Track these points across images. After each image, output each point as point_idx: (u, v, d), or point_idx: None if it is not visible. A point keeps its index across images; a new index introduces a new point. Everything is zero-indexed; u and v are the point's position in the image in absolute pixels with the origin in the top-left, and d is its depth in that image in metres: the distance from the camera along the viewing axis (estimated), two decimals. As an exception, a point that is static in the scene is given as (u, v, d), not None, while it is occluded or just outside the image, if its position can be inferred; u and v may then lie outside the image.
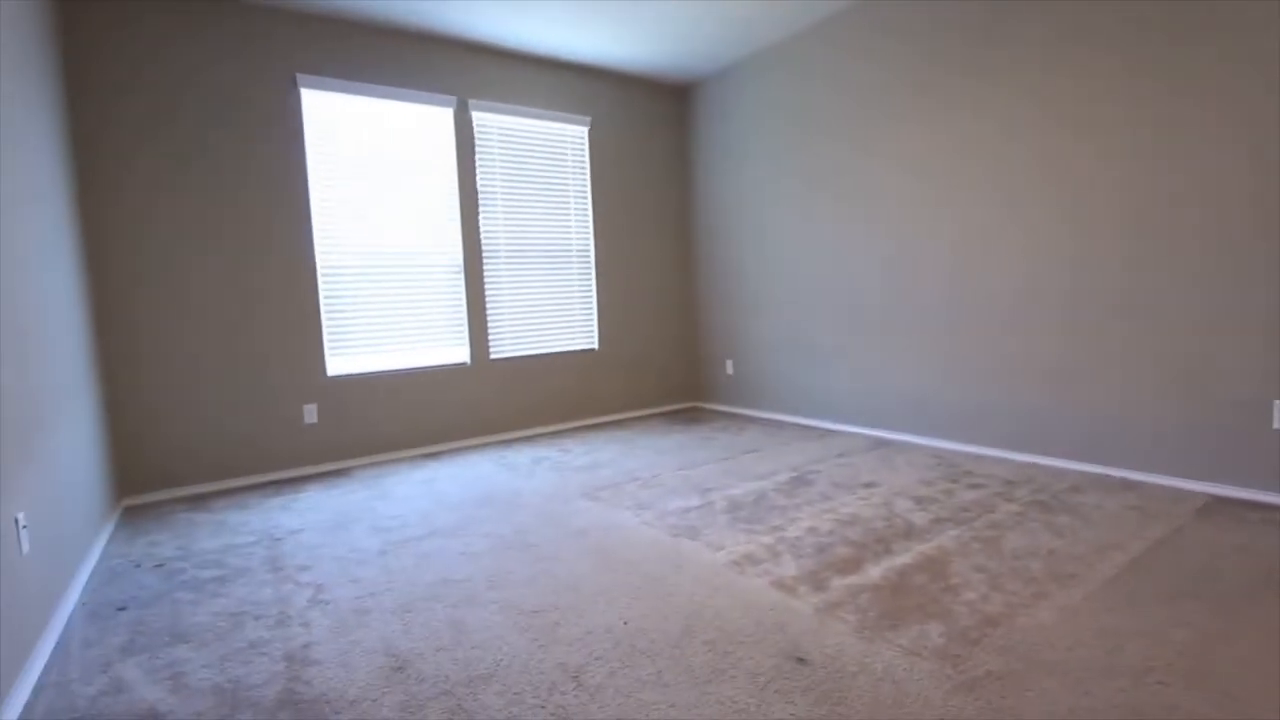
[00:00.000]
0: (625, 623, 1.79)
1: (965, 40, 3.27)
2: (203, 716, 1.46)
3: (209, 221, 3.31)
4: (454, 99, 3.99)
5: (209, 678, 1.62)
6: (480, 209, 4.17)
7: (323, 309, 3.66)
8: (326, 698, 1.51)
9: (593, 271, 4.73)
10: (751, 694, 1.45)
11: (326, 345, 3.68)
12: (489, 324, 4.26)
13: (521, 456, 3.81)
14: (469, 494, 3.10)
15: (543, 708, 1.43)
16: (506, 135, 4.26)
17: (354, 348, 3.78)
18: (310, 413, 3.63)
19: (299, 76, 3.49)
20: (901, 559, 2.13)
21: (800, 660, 1.57)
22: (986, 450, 3.39)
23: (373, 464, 3.79)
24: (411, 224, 3.93)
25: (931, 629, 1.69)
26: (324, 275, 3.66)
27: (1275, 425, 2.48)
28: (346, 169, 3.69)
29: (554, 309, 4.57)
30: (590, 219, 4.69)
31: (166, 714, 1.48)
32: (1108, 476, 2.91)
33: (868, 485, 2.94)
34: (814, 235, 4.17)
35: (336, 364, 3.73)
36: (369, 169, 3.76)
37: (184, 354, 3.27)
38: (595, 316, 4.76)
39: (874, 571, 2.04)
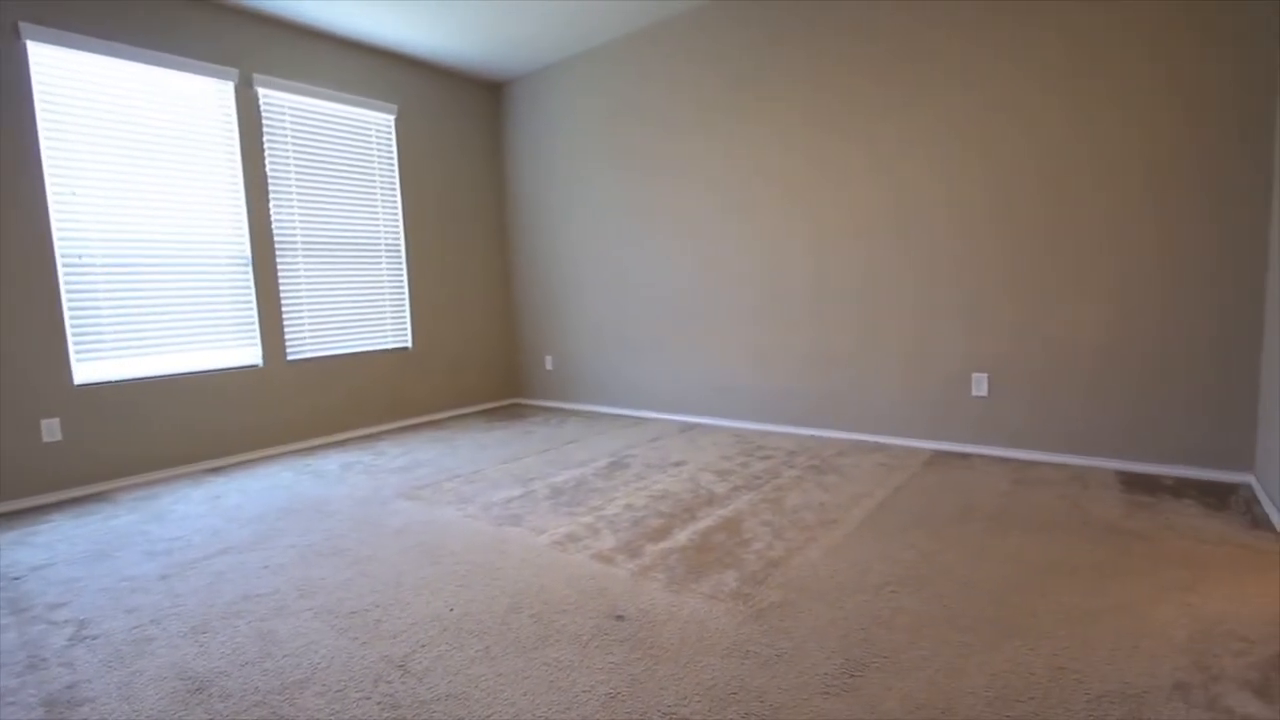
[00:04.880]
0: (451, 609, 1.82)
1: (754, 64, 3.73)
2: (-71, 784, 1.22)
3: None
4: (235, 71, 3.59)
5: (-68, 742, 1.35)
6: (271, 196, 3.80)
7: (66, 307, 3.09)
8: (105, 734, 1.34)
9: (404, 267, 4.54)
10: (575, 652, 1.57)
11: (72, 349, 3.12)
12: (285, 322, 3.90)
13: (329, 463, 3.56)
14: (268, 506, 2.84)
15: (368, 699, 1.42)
16: (301, 117, 3.92)
17: (111, 351, 3.24)
18: (51, 429, 3.05)
19: (22, 26, 2.91)
20: (705, 523, 2.41)
21: (618, 618, 1.73)
22: (776, 428, 3.89)
23: (142, 484, 3.28)
24: (186, 210, 3.46)
25: (728, 576, 1.95)
26: (66, 268, 3.09)
27: (973, 393, 3.20)
28: (98, 145, 3.15)
29: (362, 306, 4.31)
30: (400, 212, 4.49)
31: None
32: (865, 441, 3.52)
33: (677, 464, 3.24)
34: (626, 235, 4.44)
35: (86, 370, 3.17)
36: (130, 147, 3.24)
37: None
38: (409, 313, 4.58)
39: (681, 536, 2.29)
